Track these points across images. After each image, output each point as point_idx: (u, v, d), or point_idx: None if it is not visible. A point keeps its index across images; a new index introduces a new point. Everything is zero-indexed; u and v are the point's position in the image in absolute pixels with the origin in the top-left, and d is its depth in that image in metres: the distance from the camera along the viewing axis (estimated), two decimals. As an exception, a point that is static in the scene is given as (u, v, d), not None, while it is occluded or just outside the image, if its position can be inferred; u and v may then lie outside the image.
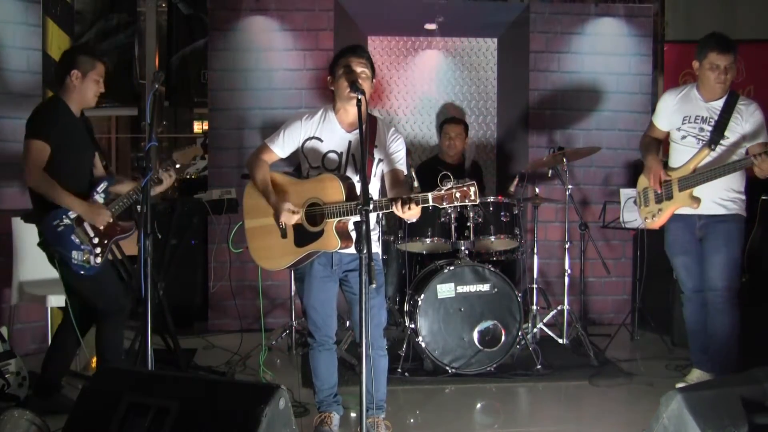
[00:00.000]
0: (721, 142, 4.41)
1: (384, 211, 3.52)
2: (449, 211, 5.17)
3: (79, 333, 4.28)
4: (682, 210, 4.54)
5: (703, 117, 4.49)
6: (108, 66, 4.28)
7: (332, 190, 3.61)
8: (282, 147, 3.84)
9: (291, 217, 3.67)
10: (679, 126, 4.57)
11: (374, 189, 3.83)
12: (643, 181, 4.75)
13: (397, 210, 3.40)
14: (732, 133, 4.41)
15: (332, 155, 3.79)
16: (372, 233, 3.83)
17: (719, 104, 4.46)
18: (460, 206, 5.24)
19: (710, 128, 4.44)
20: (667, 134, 4.69)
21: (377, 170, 3.82)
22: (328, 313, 3.88)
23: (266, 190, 3.76)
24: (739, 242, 4.50)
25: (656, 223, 4.66)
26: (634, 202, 4.91)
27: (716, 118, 4.44)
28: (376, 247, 3.93)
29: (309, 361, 3.99)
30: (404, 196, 3.41)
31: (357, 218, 3.70)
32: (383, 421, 3.92)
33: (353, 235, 3.64)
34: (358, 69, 3.72)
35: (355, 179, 3.70)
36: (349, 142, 3.78)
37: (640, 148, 4.86)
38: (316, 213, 3.67)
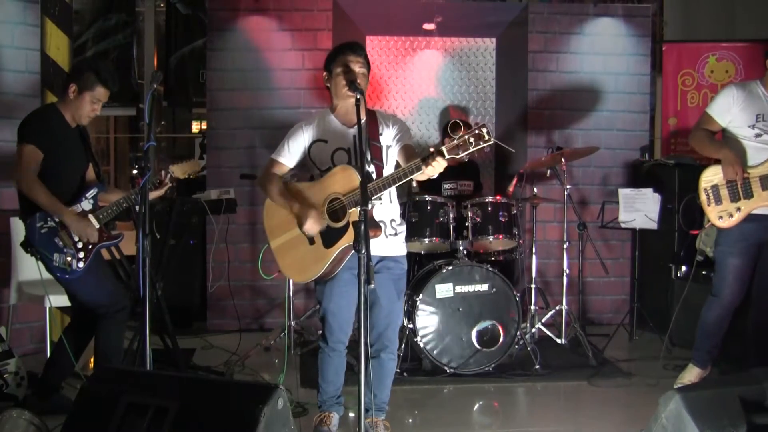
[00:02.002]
0: None
1: (412, 176, 3.44)
2: (448, 210, 5.17)
3: (84, 336, 4.31)
4: (759, 210, 4.40)
5: None
6: (112, 91, 4.19)
7: (348, 179, 3.56)
8: (289, 157, 3.82)
9: (315, 227, 3.61)
10: (753, 123, 4.40)
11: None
12: (711, 178, 4.51)
13: (427, 169, 3.35)
14: None
15: (341, 152, 3.76)
16: (399, 228, 3.82)
17: None
18: (463, 204, 5.27)
19: None
20: (720, 129, 4.55)
21: (388, 157, 3.79)
22: (345, 319, 3.85)
23: (287, 201, 3.72)
24: None
25: (732, 222, 4.44)
26: (696, 200, 4.65)
27: None
28: (402, 249, 3.90)
29: (318, 360, 3.95)
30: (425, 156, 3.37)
31: (388, 208, 3.75)
32: (382, 422, 3.92)
33: (377, 221, 3.63)
34: (357, 68, 3.71)
35: (369, 168, 3.65)
36: (354, 137, 3.75)
37: (696, 142, 4.59)
38: (337, 207, 3.61)
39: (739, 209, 4.41)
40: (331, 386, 3.95)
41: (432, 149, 3.33)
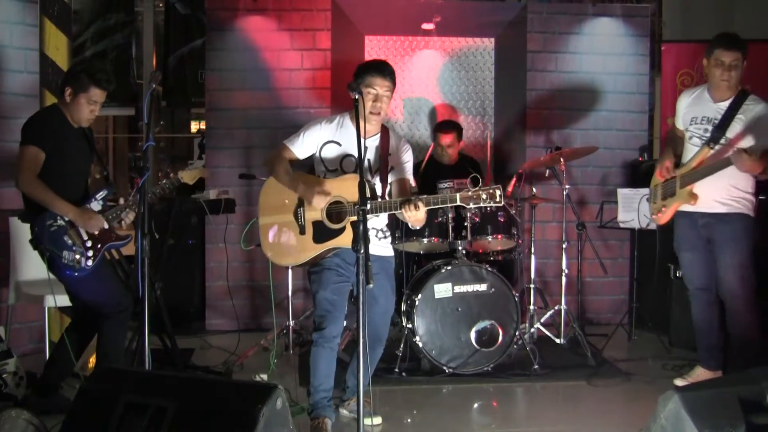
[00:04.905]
0: (721, 141, 4.41)
1: (394, 210, 3.66)
2: (447, 210, 5.17)
3: (85, 336, 4.32)
4: (685, 207, 4.58)
5: (708, 118, 4.51)
6: (108, 92, 4.18)
7: (356, 189, 3.63)
8: (301, 148, 3.94)
9: (322, 200, 3.75)
10: (687, 127, 4.62)
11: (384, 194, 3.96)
12: (655, 177, 4.80)
13: (407, 211, 3.58)
14: (734, 133, 4.41)
15: (351, 159, 3.91)
16: (386, 233, 3.96)
17: (727, 104, 4.47)
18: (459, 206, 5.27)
19: (713, 128, 4.48)
20: None
21: (389, 177, 3.97)
22: (340, 309, 3.91)
23: (291, 179, 3.84)
24: (746, 241, 4.49)
25: (662, 219, 4.70)
26: (647, 199, 5.01)
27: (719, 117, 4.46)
28: (391, 251, 4.11)
29: (310, 358, 3.93)
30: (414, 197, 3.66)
31: (379, 219, 3.94)
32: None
33: (373, 235, 3.86)
34: (381, 91, 3.86)
35: (373, 181, 3.90)
36: (366, 148, 3.85)
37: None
38: (334, 211, 3.78)
39: (665, 206, 4.67)
40: (324, 384, 3.90)
41: (417, 199, 3.61)
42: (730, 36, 4.50)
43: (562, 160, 5.54)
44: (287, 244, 3.88)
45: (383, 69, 3.91)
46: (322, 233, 3.76)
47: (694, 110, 4.61)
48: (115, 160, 11.54)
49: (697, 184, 4.48)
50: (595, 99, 6.75)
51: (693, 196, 4.50)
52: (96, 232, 4.08)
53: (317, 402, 3.93)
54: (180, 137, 11.60)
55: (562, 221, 5.77)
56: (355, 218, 3.63)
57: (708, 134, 4.48)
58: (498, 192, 3.49)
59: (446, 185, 5.16)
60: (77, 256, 4.02)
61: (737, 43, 4.46)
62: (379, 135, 3.99)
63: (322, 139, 3.93)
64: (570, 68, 6.72)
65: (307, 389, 4.00)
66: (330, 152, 3.93)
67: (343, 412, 4.27)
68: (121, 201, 4.26)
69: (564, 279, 5.69)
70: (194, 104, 9.14)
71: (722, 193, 4.47)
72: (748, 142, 4.36)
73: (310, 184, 3.79)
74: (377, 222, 3.98)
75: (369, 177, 3.90)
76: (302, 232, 3.81)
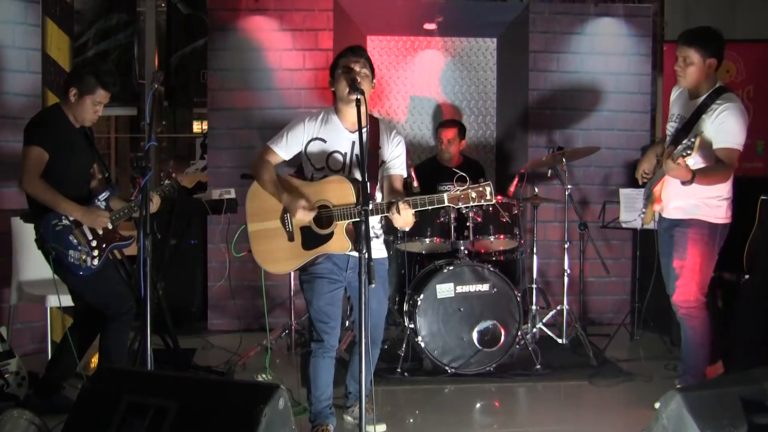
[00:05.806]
0: (684, 142, 4.03)
1: (382, 214, 3.57)
2: (449, 210, 5.16)
3: (87, 337, 4.32)
4: (657, 211, 4.48)
5: (681, 116, 4.39)
6: (113, 93, 4.19)
7: (343, 192, 3.61)
8: (286, 149, 3.82)
9: (306, 214, 3.63)
10: (668, 125, 4.52)
11: (378, 192, 3.85)
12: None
13: (392, 214, 3.47)
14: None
15: (337, 155, 3.78)
16: (379, 232, 3.88)
17: (699, 102, 4.29)
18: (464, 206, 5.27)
19: (678, 129, 4.35)
20: None
21: (379, 174, 3.83)
22: (335, 319, 3.83)
23: (276, 189, 3.73)
24: (696, 249, 4.25)
25: (646, 220, 4.61)
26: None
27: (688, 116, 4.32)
28: (385, 252, 3.96)
29: (309, 369, 3.86)
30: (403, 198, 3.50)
31: (371, 217, 3.72)
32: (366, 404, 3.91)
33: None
34: (357, 68, 3.72)
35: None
36: (353, 142, 3.77)
37: None
38: (323, 215, 3.66)
39: (646, 207, 4.56)
40: (324, 394, 3.87)
41: (401, 201, 3.47)
42: (686, 32, 4.32)
43: (564, 160, 5.54)
44: (277, 252, 3.77)
45: (353, 47, 3.84)
46: (310, 239, 3.67)
47: (674, 107, 4.48)
48: (117, 160, 11.55)
49: (665, 189, 4.37)
50: (597, 99, 6.74)
51: (657, 199, 4.41)
52: (101, 232, 4.09)
53: (320, 411, 3.89)
54: (182, 137, 11.61)
55: (564, 221, 5.76)
56: (342, 222, 3.60)
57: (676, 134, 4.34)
58: (488, 189, 3.32)
59: (448, 188, 5.14)
60: (83, 256, 4.03)
61: (691, 39, 4.26)
62: (367, 127, 3.70)
63: (306, 137, 3.80)
64: (572, 68, 6.72)
65: (308, 399, 3.94)
66: (315, 150, 3.79)
67: (348, 418, 4.24)
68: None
69: (566, 279, 5.68)
70: (196, 104, 9.16)
71: (687, 198, 4.25)
72: (706, 147, 4.08)
73: (294, 196, 3.65)
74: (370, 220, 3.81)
75: (356, 174, 3.73)
76: (291, 238, 3.72)
